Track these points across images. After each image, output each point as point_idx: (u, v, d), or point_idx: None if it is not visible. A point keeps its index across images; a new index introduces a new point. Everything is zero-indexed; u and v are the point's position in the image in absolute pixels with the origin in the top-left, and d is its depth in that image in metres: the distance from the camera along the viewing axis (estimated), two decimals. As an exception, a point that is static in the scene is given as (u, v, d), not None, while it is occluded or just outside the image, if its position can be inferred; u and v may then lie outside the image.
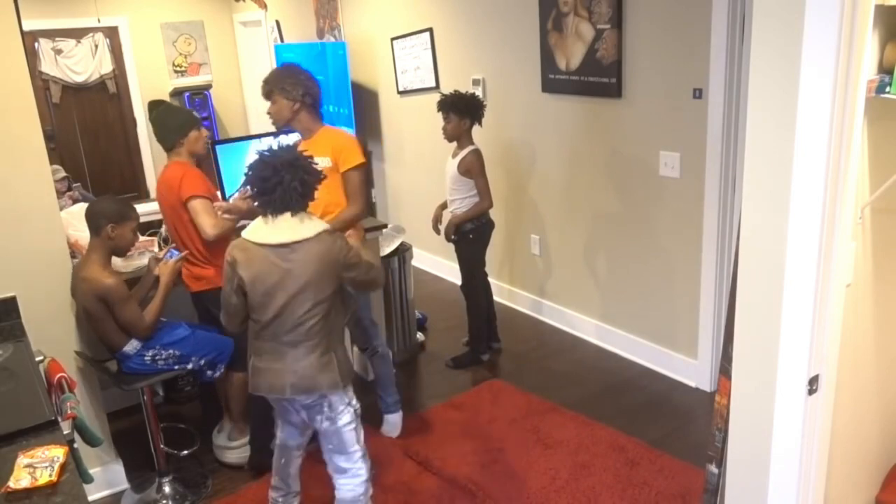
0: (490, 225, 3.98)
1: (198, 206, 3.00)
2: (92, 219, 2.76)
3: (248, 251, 2.29)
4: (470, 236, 3.92)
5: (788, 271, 1.73)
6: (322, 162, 2.67)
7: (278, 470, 2.64)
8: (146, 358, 2.86)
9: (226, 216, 3.06)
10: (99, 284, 2.72)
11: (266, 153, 2.28)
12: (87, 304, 2.77)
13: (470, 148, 3.83)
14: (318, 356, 2.32)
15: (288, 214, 2.25)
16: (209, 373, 3.03)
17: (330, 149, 2.99)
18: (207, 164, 3.73)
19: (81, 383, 2.96)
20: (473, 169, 3.81)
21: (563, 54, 4.01)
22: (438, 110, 3.84)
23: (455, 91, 3.88)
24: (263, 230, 2.28)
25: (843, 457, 1.99)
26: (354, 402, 2.46)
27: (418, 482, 3.08)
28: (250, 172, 2.27)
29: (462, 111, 3.79)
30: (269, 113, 3.07)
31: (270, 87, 3.00)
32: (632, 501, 2.88)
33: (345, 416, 2.41)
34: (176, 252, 3.00)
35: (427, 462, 3.19)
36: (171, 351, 2.90)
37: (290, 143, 2.66)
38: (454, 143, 3.89)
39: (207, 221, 2.98)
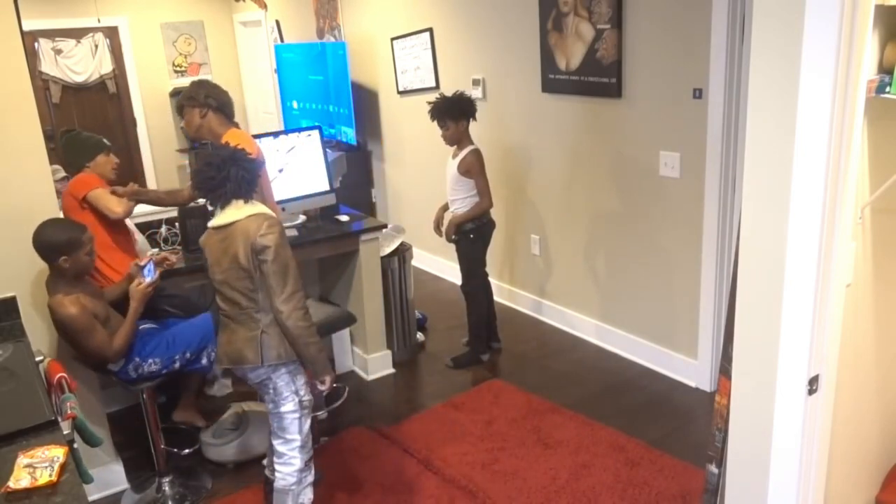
0: (491, 224, 3.98)
1: (98, 193, 3.04)
2: (41, 251, 2.62)
3: (207, 237, 2.53)
4: (471, 236, 3.92)
5: (788, 271, 1.73)
6: None
7: (269, 446, 2.81)
8: (130, 372, 2.83)
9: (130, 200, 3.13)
10: (59, 314, 2.63)
11: (207, 155, 2.48)
12: (56, 329, 2.74)
13: (470, 148, 3.83)
14: (247, 331, 2.47)
15: (241, 202, 2.43)
16: (203, 362, 2.97)
17: None
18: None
19: (81, 383, 2.95)
20: (473, 169, 3.81)
21: (563, 54, 4.01)
22: (432, 119, 3.84)
23: (441, 95, 3.85)
24: (217, 217, 2.48)
25: (843, 457, 1.99)
26: (302, 393, 2.57)
27: (418, 482, 3.08)
28: (197, 176, 2.47)
29: (456, 115, 3.79)
30: (182, 127, 3.13)
31: (180, 103, 3.10)
32: (632, 501, 2.88)
33: (288, 403, 2.54)
34: (153, 267, 2.86)
35: (427, 462, 3.19)
36: (150, 360, 2.85)
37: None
38: (454, 144, 3.89)
39: (112, 200, 3.04)
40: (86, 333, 2.65)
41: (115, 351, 2.74)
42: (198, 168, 2.47)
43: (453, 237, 3.94)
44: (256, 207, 2.45)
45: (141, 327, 2.97)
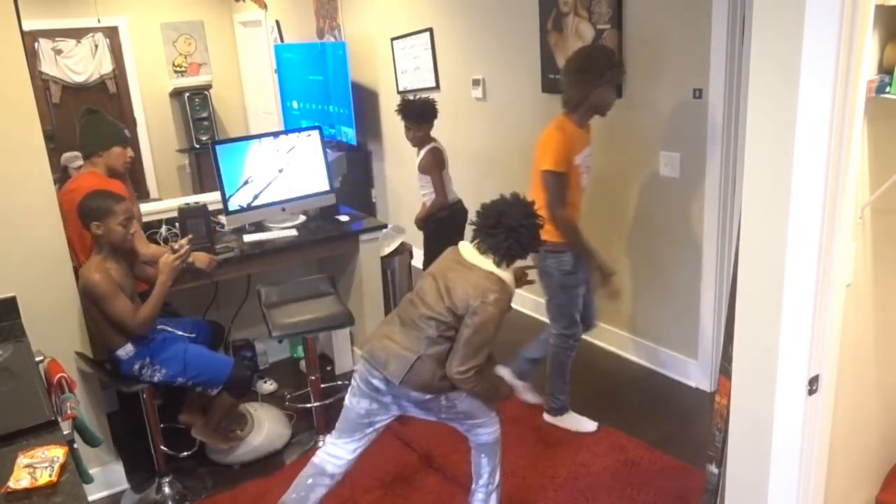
0: (460, 214, 4.01)
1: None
2: (79, 217, 2.75)
3: (450, 249, 2.55)
4: (433, 226, 4.02)
5: (788, 271, 1.73)
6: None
7: (299, 486, 2.55)
8: (135, 367, 2.84)
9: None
10: (84, 280, 2.72)
11: (505, 203, 2.46)
12: (81, 300, 2.80)
13: (428, 146, 3.94)
14: (407, 342, 2.39)
15: (493, 255, 2.42)
16: (198, 389, 3.01)
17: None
18: (209, 165, 3.68)
19: (81, 383, 2.95)
20: (428, 166, 3.92)
21: (564, 54, 4.00)
22: (402, 118, 3.98)
23: (404, 99, 4.01)
24: (468, 247, 2.47)
25: (843, 457, 1.99)
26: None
27: (419, 478, 3.08)
28: (480, 213, 2.46)
29: (412, 119, 3.91)
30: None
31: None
32: (630, 501, 2.88)
33: (488, 425, 2.56)
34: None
35: (429, 458, 3.19)
36: (157, 367, 2.86)
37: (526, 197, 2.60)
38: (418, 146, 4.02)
39: (142, 243, 3.03)
40: (108, 300, 2.69)
41: (139, 322, 2.76)
42: (488, 205, 2.46)
43: (421, 226, 4.09)
44: (499, 268, 2.42)
45: (168, 329, 3.01)
